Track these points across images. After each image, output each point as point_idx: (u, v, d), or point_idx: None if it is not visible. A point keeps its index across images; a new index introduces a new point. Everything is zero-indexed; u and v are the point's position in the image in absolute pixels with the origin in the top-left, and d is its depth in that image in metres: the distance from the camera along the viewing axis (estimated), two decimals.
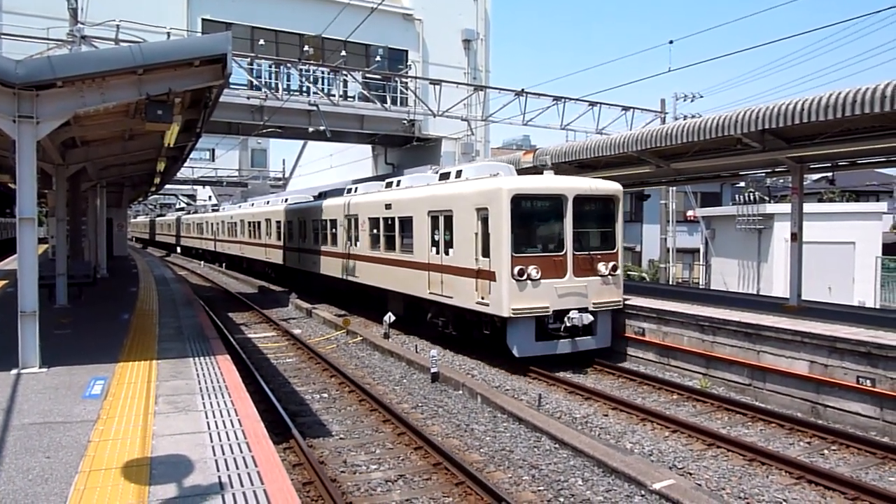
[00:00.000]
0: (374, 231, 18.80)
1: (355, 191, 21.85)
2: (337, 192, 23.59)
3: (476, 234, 13.62)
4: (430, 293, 15.45)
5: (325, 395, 12.10)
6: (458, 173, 15.84)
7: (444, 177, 16.54)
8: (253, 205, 36.59)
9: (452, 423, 10.34)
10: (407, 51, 31.50)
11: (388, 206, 17.83)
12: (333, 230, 22.24)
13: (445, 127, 28.68)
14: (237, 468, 5.43)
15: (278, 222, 29.22)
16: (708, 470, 8.35)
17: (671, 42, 21.53)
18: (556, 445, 9.09)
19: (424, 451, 8.87)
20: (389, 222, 17.81)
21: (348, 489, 7.74)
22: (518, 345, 13.18)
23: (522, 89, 25.24)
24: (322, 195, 24.99)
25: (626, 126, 27.38)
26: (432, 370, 12.77)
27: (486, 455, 8.90)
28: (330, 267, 22.82)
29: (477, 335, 14.61)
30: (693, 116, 21.92)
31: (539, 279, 12.96)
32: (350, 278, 20.82)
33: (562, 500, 7.49)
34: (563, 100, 25.94)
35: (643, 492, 7.49)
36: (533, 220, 13.83)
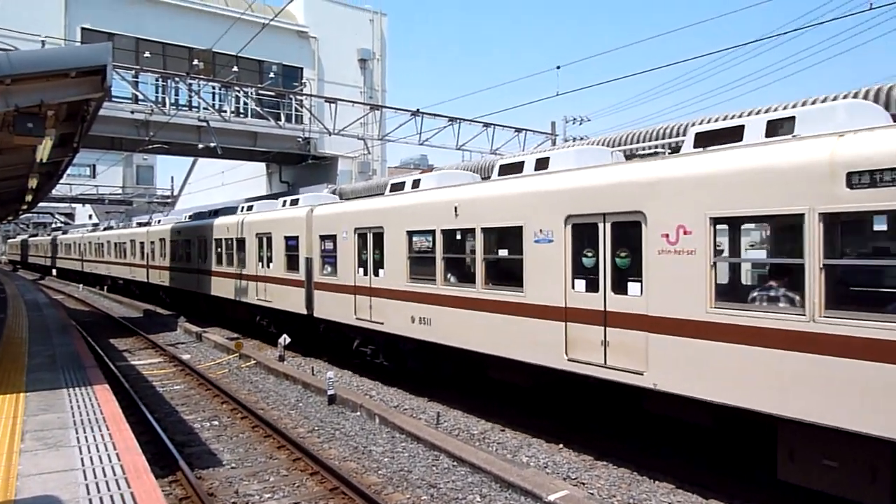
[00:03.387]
0: (476, 257, 10.60)
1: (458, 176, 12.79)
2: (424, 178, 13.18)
3: None
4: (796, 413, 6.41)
5: (216, 422, 11.59)
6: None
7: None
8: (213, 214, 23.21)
9: (350, 445, 10.16)
10: (302, 68, 31.21)
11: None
12: (387, 248, 12.78)
13: (342, 145, 28.54)
14: None
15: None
16: (599, 479, 8.62)
17: (558, 67, 22.27)
18: (455, 463, 9.11)
19: (321, 476, 8.65)
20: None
21: None
22: None
23: (418, 109, 25.55)
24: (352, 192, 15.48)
25: (518, 147, 28.24)
26: (329, 392, 12.52)
27: (385, 477, 8.79)
28: (400, 319, 12.41)
29: None
30: (581, 139, 22.87)
31: None
32: (441, 339, 11.43)
33: None
34: (458, 121, 26.47)
35: None
36: None
